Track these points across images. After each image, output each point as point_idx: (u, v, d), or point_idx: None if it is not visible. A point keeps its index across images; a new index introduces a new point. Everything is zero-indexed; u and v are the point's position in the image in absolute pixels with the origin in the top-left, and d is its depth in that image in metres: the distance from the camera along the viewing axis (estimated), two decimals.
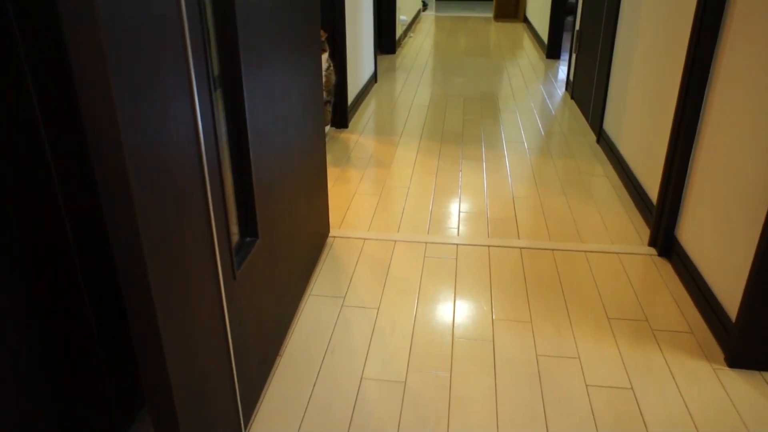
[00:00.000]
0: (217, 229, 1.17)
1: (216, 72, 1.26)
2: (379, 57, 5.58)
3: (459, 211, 2.53)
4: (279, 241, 1.63)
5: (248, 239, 1.44)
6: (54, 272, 1.12)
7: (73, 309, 1.18)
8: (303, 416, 1.47)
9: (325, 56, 3.11)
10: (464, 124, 3.68)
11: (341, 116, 3.57)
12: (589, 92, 3.66)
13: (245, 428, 1.42)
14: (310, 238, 2.03)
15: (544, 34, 5.76)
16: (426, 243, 2.28)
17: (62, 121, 1.12)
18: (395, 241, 2.29)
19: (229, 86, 1.30)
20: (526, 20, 7.58)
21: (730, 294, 1.70)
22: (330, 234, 2.34)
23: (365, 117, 3.81)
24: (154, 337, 0.97)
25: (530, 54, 5.76)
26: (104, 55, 0.77)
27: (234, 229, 1.43)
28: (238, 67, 1.28)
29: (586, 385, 1.58)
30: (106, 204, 0.87)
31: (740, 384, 1.58)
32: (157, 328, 0.96)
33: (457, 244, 2.27)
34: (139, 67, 0.86)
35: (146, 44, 0.88)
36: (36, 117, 1.05)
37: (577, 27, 4.18)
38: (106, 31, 0.77)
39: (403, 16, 6.26)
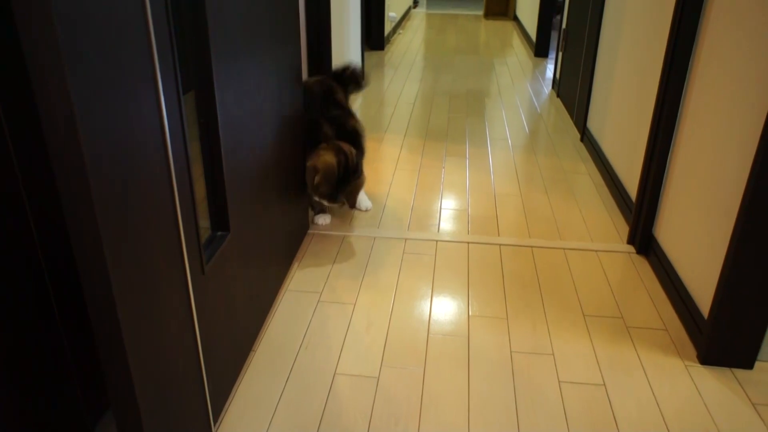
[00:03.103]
0: (184, 223, 1.16)
1: (185, 64, 1.25)
2: (367, 53, 5.57)
3: (440, 208, 2.53)
4: (253, 235, 1.63)
5: (219, 233, 1.43)
6: (18, 269, 1.11)
7: (38, 304, 1.17)
8: (274, 412, 1.47)
9: None
10: (449, 121, 3.68)
11: None
12: (574, 91, 3.67)
13: (215, 425, 1.41)
14: (288, 233, 2.02)
15: (533, 33, 5.76)
16: (405, 239, 2.28)
17: (25, 114, 1.11)
18: (375, 237, 2.29)
19: (200, 80, 1.30)
20: (516, 18, 7.58)
21: (704, 292, 1.71)
22: (309, 229, 2.33)
23: None
24: (115, 334, 0.96)
25: (519, 52, 5.77)
26: (59, 48, 0.76)
27: (206, 224, 1.42)
28: (208, 59, 1.27)
29: (559, 382, 1.58)
30: (64, 199, 0.86)
31: (711, 381, 1.59)
32: (118, 325, 0.96)
33: (436, 241, 2.27)
34: (99, 59, 0.85)
35: (107, 38, 0.87)
36: None
37: (564, 25, 4.18)
38: (61, 24, 0.76)
39: (392, 13, 6.25)
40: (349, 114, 2.34)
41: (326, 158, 2.05)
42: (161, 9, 1.03)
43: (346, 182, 2.09)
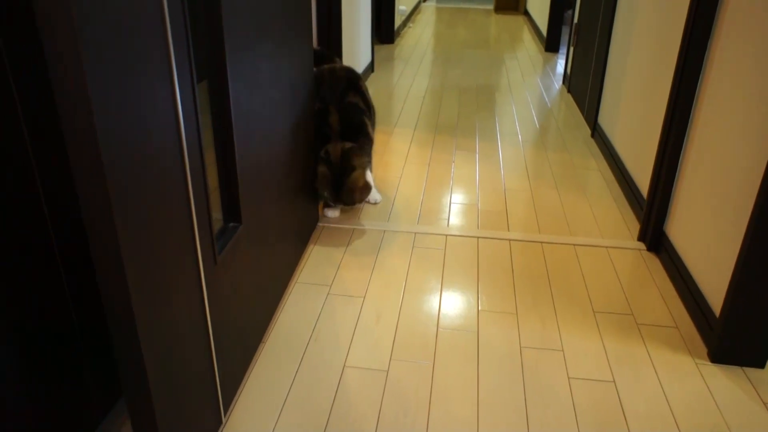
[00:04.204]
0: (197, 214, 1.16)
1: (199, 55, 1.25)
2: (376, 47, 5.55)
3: (450, 202, 2.53)
4: (264, 227, 1.63)
5: (231, 225, 1.43)
6: (33, 257, 1.11)
7: (52, 292, 1.17)
8: (284, 403, 1.47)
9: None
10: (459, 115, 3.67)
11: None
12: (586, 86, 3.65)
13: (224, 415, 1.42)
14: (298, 226, 2.03)
15: (544, 28, 5.73)
16: (415, 233, 2.27)
17: (40, 103, 1.11)
18: (384, 230, 2.29)
19: (213, 70, 1.29)
20: (526, 13, 7.54)
21: (715, 290, 1.70)
22: (319, 222, 2.33)
23: None
24: (128, 323, 0.97)
25: (529, 47, 5.74)
26: (77, 37, 0.76)
27: (218, 215, 1.42)
28: (222, 51, 1.27)
29: (569, 378, 1.58)
30: (79, 188, 0.86)
31: (722, 379, 1.58)
32: (131, 314, 0.96)
33: (446, 235, 2.27)
34: (115, 49, 0.85)
35: (123, 25, 0.86)
36: (14, 101, 1.04)
37: (576, 20, 4.16)
38: (79, 12, 0.76)
39: (402, 6, 6.22)
40: (367, 107, 2.40)
41: (319, 170, 2.21)
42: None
43: (341, 183, 2.21)
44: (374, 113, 2.48)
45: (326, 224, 2.32)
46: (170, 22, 1.00)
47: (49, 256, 1.15)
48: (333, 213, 2.37)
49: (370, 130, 2.36)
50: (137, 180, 0.94)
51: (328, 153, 2.20)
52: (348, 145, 2.22)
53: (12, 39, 1.03)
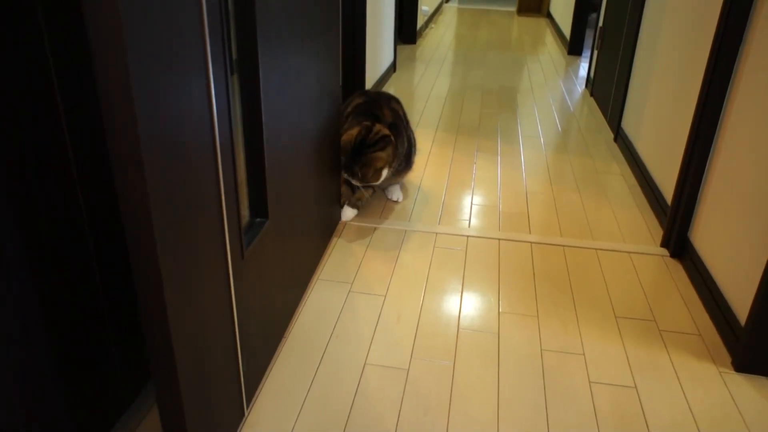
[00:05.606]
0: (227, 209, 1.18)
1: (233, 52, 1.26)
2: (399, 47, 5.56)
3: (471, 204, 2.53)
4: (289, 223, 1.64)
5: (258, 220, 1.44)
6: (65, 245, 1.14)
7: (82, 279, 1.19)
8: (305, 399, 1.48)
9: None
10: (481, 117, 3.66)
11: None
12: (609, 90, 3.62)
13: (247, 408, 1.43)
14: (321, 223, 2.04)
15: (567, 30, 5.69)
16: (436, 233, 2.28)
17: (78, 93, 1.13)
18: (406, 230, 2.29)
19: (245, 66, 1.31)
20: (549, 15, 7.50)
21: (740, 298, 1.68)
22: (341, 220, 2.35)
23: None
24: (160, 314, 0.98)
25: (552, 50, 5.71)
26: (122, 32, 0.78)
27: (245, 210, 1.44)
28: (254, 47, 1.28)
29: (590, 382, 1.57)
30: (118, 179, 0.88)
31: (746, 388, 1.57)
32: (164, 305, 0.97)
33: (467, 236, 2.27)
34: (156, 45, 0.86)
35: (163, 22, 0.88)
36: (54, 91, 1.07)
37: (600, 23, 4.13)
38: (124, 8, 0.77)
39: (425, 7, 6.22)
40: (405, 121, 2.56)
41: (350, 132, 2.23)
42: None
43: (359, 153, 2.19)
44: (412, 132, 2.61)
45: (348, 222, 2.33)
46: (207, 16, 1.02)
47: (81, 247, 1.17)
48: (347, 214, 2.33)
49: (404, 139, 2.41)
50: (173, 174, 0.95)
51: (374, 125, 2.24)
52: (392, 137, 2.25)
53: (54, 32, 1.05)
